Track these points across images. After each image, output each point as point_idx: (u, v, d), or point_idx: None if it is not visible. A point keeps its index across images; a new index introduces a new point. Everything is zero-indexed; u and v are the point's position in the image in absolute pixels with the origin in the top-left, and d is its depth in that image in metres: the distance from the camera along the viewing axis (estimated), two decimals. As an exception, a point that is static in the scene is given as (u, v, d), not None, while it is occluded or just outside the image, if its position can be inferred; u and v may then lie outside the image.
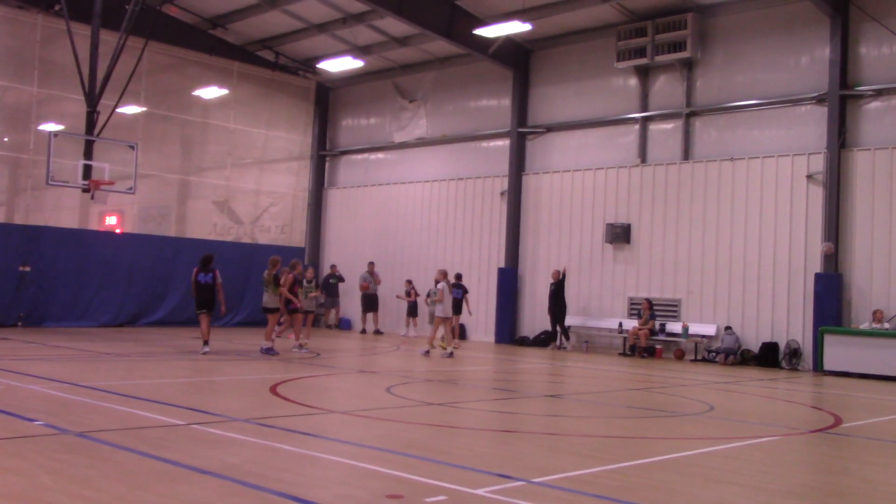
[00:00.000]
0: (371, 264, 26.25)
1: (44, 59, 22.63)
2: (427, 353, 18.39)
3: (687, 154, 21.39)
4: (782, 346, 19.40)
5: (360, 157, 29.12)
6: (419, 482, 6.32)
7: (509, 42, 23.67)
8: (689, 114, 21.38)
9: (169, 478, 6.21)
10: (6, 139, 23.37)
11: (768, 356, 19.40)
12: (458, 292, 21.37)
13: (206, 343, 16.76)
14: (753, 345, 19.83)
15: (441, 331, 18.50)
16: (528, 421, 10.27)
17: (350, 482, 6.43)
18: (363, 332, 26.07)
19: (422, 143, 27.08)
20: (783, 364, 19.26)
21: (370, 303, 25.87)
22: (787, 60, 20.05)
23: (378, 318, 26.04)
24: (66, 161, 20.08)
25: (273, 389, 11.45)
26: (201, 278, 16.94)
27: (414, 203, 27.08)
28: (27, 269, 22.21)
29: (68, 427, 8.02)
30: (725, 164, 20.67)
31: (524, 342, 23.62)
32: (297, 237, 28.87)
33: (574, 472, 6.99)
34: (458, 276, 22.06)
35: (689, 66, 21.42)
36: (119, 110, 21.31)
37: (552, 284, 22.45)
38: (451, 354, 18.09)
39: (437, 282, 18.70)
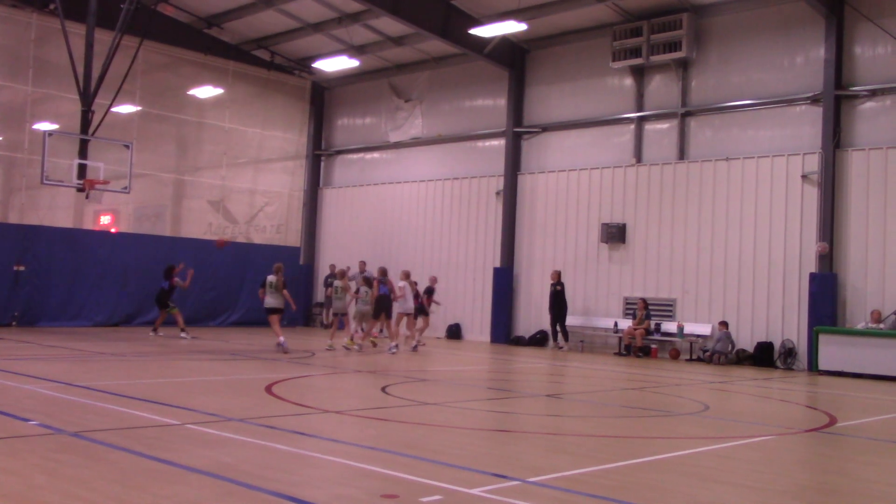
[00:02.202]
0: (362, 263, 25.95)
1: (38, 58, 22.58)
2: (415, 348, 19.26)
3: (682, 154, 21.42)
4: (777, 345, 19.43)
5: (355, 156, 29.11)
6: (414, 482, 6.32)
7: (505, 42, 23.69)
8: (685, 114, 21.41)
9: (164, 478, 6.20)
10: (1, 138, 23.32)
11: (763, 356, 19.43)
12: (384, 289, 20.45)
13: (156, 330, 20.91)
14: (748, 344, 19.86)
15: (370, 325, 20.11)
16: (524, 420, 10.27)
17: (345, 482, 6.43)
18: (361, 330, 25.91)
19: (417, 142, 27.07)
20: (778, 364, 19.30)
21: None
22: (782, 60, 20.09)
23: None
24: (61, 160, 20.05)
25: (268, 389, 11.44)
26: (164, 284, 20.85)
27: (409, 203, 27.08)
28: (22, 268, 22.17)
29: (63, 427, 8.00)
30: (721, 163, 20.70)
31: (520, 342, 23.63)
32: (292, 237, 28.86)
33: (570, 471, 6.99)
34: (383, 272, 20.21)
35: (684, 66, 21.44)
36: (114, 110, 21.27)
37: (552, 285, 22.43)
38: (359, 349, 19.25)
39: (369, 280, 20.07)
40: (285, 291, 18.29)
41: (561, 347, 22.31)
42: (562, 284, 22.35)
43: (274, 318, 18.31)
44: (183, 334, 20.51)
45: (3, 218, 23.02)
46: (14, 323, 21.91)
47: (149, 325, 24.01)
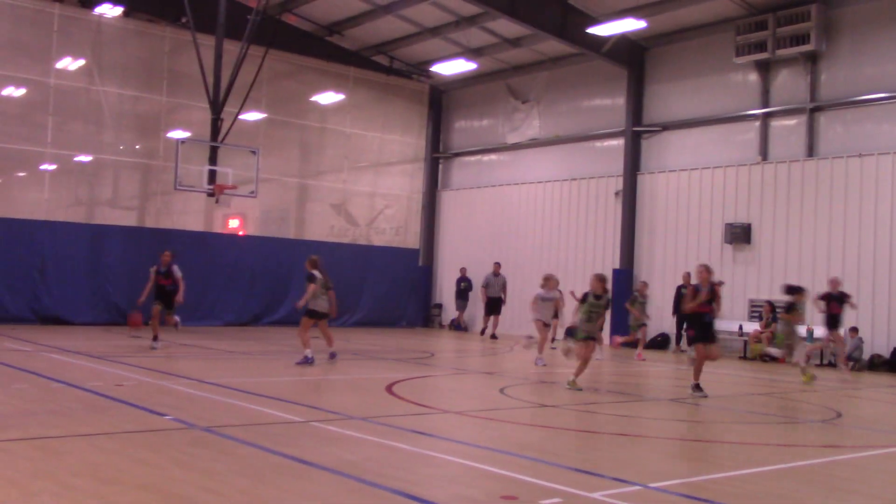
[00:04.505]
0: (497, 265, 25.20)
1: (172, 69, 23.64)
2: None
3: (811, 151, 20.59)
4: (916, 351, 18.44)
5: (473, 158, 29.26)
6: (533, 484, 6.31)
7: (623, 40, 23.33)
8: (814, 109, 20.57)
9: (289, 473, 6.40)
10: (138, 147, 24.53)
11: (901, 362, 18.47)
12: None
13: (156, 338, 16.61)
14: (884, 350, 18.92)
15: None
16: (645, 425, 10.09)
17: (465, 482, 6.48)
18: (483, 333, 24.95)
19: (535, 143, 26.99)
20: (917, 370, 18.30)
21: (493, 306, 24.41)
22: (921, 50, 19.05)
23: (497, 321, 24.18)
24: (193, 167, 20.95)
25: (389, 389, 11.64)
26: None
27: (527, 204, 27.01)
28: (156, 268, 23.16)
29: (195, 422, 8.36)
30: (853, 160, 19.80)
31: (638, 345, 23.16)
32: (411, 239, 29.24)
33: (692, 477, 6.84)
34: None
35: (812, 59, 20.61)
36: (241, 117, 22.06)
37: (680, 287, 21.66)
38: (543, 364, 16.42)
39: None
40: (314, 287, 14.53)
41: (684, 351, 21.74)
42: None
43: (322, 323, 15.01)
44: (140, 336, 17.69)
45: (140, 222, 24.20)
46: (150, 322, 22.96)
47: (274, 325, 24.82)
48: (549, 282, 17.06)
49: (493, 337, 23.52)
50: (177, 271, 16.65)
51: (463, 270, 27.19)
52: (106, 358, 14.11)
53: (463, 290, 27.06)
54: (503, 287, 24.53)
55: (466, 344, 22.61)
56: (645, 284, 20.99)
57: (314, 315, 14.63)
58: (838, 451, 8.54)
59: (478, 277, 26.40)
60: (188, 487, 5.84)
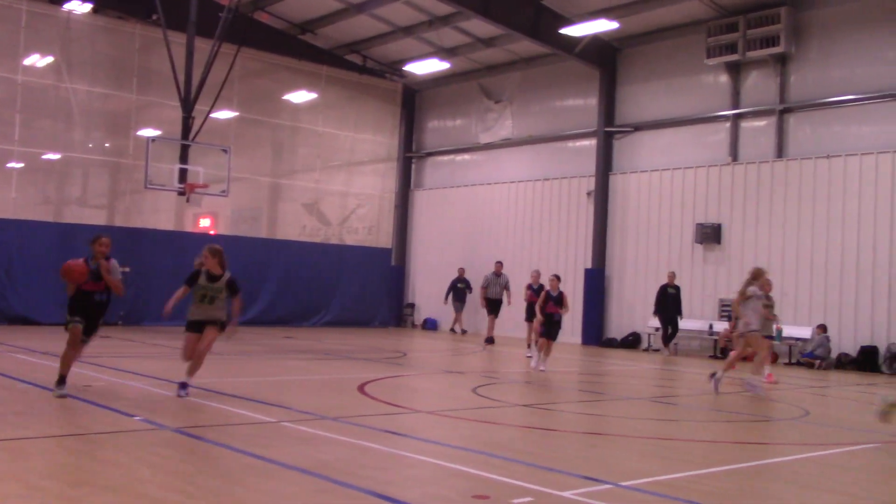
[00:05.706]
0: (499, 264, 23.00)
1: (142, 67, 23.42)
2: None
3: (780, 152, 20.82)
4: (882, 350, 18.69)
5: (445, 158, 29.28)
6: (505, 483, 6.32)
7: (596, 41, 23.45)
8: (783, 110, 20.81)
9: (261, 474, 6.36)
10: (107, 145, 24.27)
11: (867, 360, 18.71)
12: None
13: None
14: (851, 348, 19.17)
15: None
16: (617, 424, 10.15)
17: (437, 482, 6.47)
18: (490, 340, 22.14)
19: (507, 143, 27.06)
20: (884, 369, 18.55)
21: (493, 307, 22.29)
22: (887, 53, 19.31)
23: (494, 324, 22.11)
24: (163, 165, 20.77)
25: (361, 389, 11.61)
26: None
27: (500, 204, 27.08)
28: (127, 269, 22.84)
29: (166, 423, 8.29)
30: (821, 161, 20.04)
31: (611, 344, 23.36)
32: (384, 238, 29.20)
33: (663, 476, 6.88)
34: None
35: (782, 61, 20.84)
36: (213, 115, 21.87)
37: (665, 286, 21.52)
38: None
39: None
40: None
41: (657, 350, 21.90)
42: (676, 287, 21.53)
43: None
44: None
45: (110, 221, 23.94)
46: (120, 322, 22.75)
47: (245, 325, 24.61)
48: (762, 278, 13.39)
49: (490, 340, 21.52)
50: (116, 268, 10.95)
51: (461, 271, 25.65)
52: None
53: (461, 291, 25.27)
54: (505, 287, 22.41)
55: (439, 344, 22.61)
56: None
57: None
58: (807, 448, 8.63)
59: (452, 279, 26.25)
60: (158, 489, 5.78)
